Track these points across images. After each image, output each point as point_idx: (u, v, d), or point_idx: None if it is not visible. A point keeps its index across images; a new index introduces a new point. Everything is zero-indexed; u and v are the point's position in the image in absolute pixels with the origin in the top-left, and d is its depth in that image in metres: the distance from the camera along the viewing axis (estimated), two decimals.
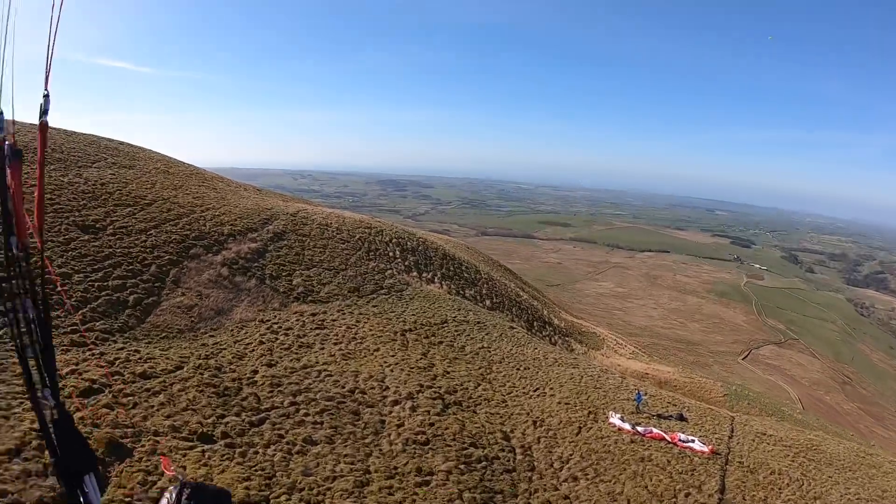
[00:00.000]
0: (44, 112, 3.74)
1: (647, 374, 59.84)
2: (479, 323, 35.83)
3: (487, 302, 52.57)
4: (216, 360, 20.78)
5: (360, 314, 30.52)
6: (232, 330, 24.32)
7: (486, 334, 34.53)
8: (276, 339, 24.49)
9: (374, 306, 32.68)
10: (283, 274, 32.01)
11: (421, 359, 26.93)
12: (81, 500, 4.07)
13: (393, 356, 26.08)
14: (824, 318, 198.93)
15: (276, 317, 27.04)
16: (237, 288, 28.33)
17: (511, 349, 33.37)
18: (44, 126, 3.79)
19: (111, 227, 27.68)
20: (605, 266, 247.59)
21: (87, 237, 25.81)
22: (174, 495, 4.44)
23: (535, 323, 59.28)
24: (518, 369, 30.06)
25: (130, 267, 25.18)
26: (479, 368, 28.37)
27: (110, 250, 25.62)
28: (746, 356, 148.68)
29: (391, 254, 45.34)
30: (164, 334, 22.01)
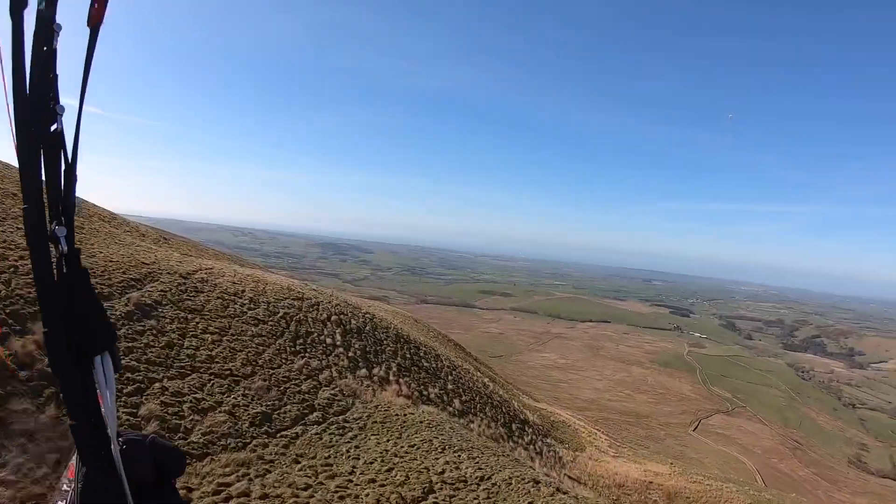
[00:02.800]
0: None
1: (650, 482, 46.08)
2: (482, 479, 19.82)
3: (456, 402, 37.57)
4: None
5: (264, 499, 14.47)
6: None
7: None
8: None
9: (296, 461, 16.58)
10: (127, 392, 16.16)
11: None
12: (86, 384, 2.62)
13: None
14: (768, 384, 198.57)
15: None
16: None
17: None
18: None
19: None
20: (547, 336, 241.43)
21: None
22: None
23: (513, 425, 44.43)
24: None
25: None
26: None
27: None
28: (696, 427, 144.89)
29: (329, 340, 30.24)
30: None
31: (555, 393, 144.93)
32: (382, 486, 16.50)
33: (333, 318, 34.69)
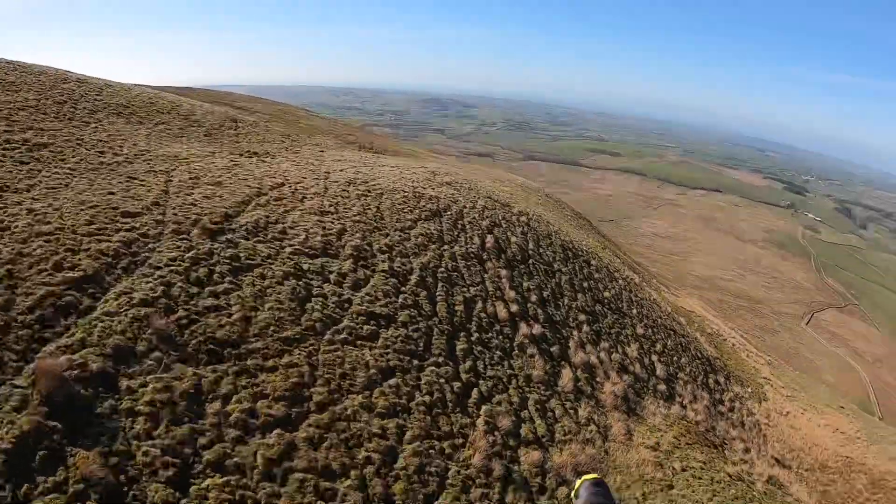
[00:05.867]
0: None
1: (849, 459, 31.32)
2: None
3: (658, 367, 23.08)
4: None
5: None
6: None
7: None
8: None
9: None
10: None
11: None
12: None
13: None
14: (883, 282, 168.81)
15: None
16: None
17: None
18: None
19: None
20: (658, 202, 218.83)
21: None
22: None
23: (709, 378, 29.80)
24: None
25: None
26: None
27: None
28: (809, 320, 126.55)
29: (502, 308, 16.25)
30: None
31: (668, 264, 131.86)
32: None
33: (489, 239, 20.71)
